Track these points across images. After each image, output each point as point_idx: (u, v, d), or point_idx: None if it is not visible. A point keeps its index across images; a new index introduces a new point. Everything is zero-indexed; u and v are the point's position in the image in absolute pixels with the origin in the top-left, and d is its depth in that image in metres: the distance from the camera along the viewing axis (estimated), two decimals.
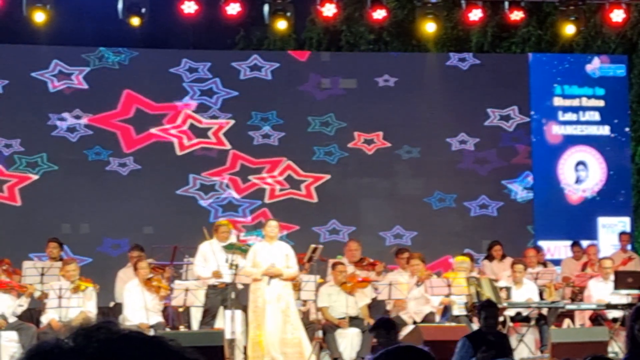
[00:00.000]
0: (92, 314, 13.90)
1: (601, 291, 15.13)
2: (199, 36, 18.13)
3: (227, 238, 14.33)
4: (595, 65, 19.10)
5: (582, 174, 18.97)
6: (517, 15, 17.23)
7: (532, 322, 14.69)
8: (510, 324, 14.45)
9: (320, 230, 18.16)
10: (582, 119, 19.03)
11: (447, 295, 14.24)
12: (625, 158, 19.19)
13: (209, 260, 14.14)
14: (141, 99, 17.89)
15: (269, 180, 18.17)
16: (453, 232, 18.23)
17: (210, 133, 18.10)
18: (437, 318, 14.51)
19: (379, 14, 16.97)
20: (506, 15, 17.30)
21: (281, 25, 16.63)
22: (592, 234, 18.62)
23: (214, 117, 18.13)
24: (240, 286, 14.10)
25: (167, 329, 13.87)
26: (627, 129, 19.25)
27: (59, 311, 13.61)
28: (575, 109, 19.02)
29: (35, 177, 17.52)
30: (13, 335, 13.54)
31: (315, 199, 18.23)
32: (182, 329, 14.18)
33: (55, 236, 15.80)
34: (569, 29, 17.24)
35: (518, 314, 14.73)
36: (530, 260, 16.06)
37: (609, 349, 13.72)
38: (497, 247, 16.93)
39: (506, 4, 17.23)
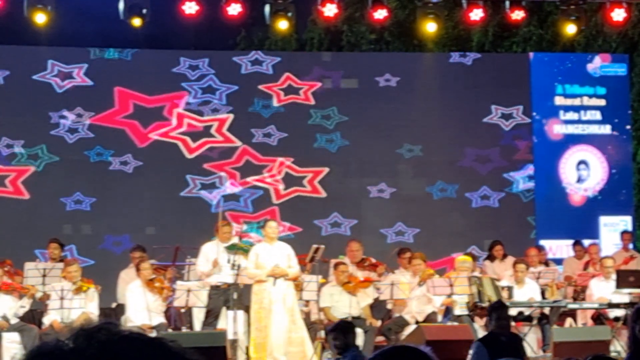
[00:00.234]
0: (94, 315, 13.91)
1: (603, 290, 15.14)
2: (200, 37, 18.13)
3: (229, 239, 14.34)
4: (596, 65, 19.09)
5: (583, 173, 18.97)
6: (518, 15, 17.22)
7: (534, 322, 14.70)
8: (513, 324, 14.44)
9: (322, 223, 18.18)
10: (584, 118, 19.03)
11: (449, 295, 14.24)
12: (627, 157, 19.20)
13: (211, 260, 14.18)
14: (136, 94, 17.89)
15: (269, 180, 18.17)
16: (455, 228, 18.21)
17: (213, 131, 18.11)
18: (439, 318, 14.51)
19: (380, 14, 16.97)
20: (507, 14, 17.30)
21: (282, 25, 16.63)
22: (594, 233, 18.62)
23: (215, 110, 18.13)
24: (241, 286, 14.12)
25: (170, 330, 13.87)
26: (628, 128, 19.25)
27: (61, 312, 13.62)
28: (576, 108, 19.02)
29: (37, 169, 17.52)
30: (15, 336, 13.54)
31: (323, 194, 18.24)
32: (184, 329, 14.19)
33: (56, 237, 15.83)
34: (570, 29, 17.23)
35: (520, 313, 14.73)
36: (532, 259, 16.06)
37: (611, 348, 13.72)
38: (498, 247, 16.92)
39: (507, 3, 17.22)
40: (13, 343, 13.45)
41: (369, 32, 19.87)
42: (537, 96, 18.90)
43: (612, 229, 18.70)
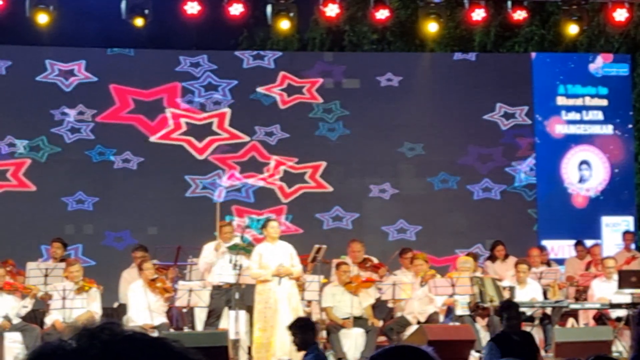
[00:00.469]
0: (97, 314, 13.91)
1: (604, 291, 15.13)
2: (202, 37, 18.14)
3: (231, 239, 14.35)
4: (598, 65, 19.09)
5: (585, 173, 18.96)
6: (520, 15, 17.21)
7: (536, 322, 14.69)
8: None
9: (324, 217, 18.19)
10: (586, 118, 19.03)
11: (451, 295, 14.23)
12: (629, 157, 19.19)
13: (213, 259, 14.22)
14: (133, 89, 17.89)
15: (270, 180, 18.19)
16: (457, 226, 18.20)
17: (216, 128, 18.11)
18: (441, 318, 14.50)
19: (382, 14, 16.96)
20: (509, 14, 17.29)
21: (284, 25, 16.63)
22: (595, 233, 18.60)
23: (217, 102, 18.15)
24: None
25: (171, 330, 13.87)
26: (630, 127, 19.24)
27: (63, 312, 13.62)
28: (578, 108, 19.01)
29: (39, 160, 17.53)
30: (17, 336, 13.54)
31: (329, 188, 18.25)
32: (186, 329, 14.20)
33: (59, 236, 15.86)
34: (572, 29, 17.22)
35: (522, 313, 14.70)
36: (534, 259, 16.05)
37: (613, 348, 13.71)
38: (499, 248, 16.91)
39: (509, 3, 17.21)
40: (15, 343, 13.45)
41: (370, 32, 19.87)
42: (539, 96, 18.89)
43: (614, 229, 18.69)
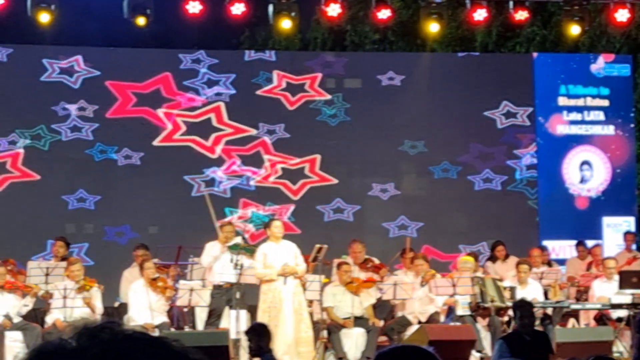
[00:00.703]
0: (99, 308, 13.95)
1: (605, 291, 15.13)
2: (204, 36, 18.14)
3: (231, 238, 14.35)
4: (600, 65, 19.08)
5: (586, 173, 18.96)
6: (521, 15, 17.21)
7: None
8: None
9: (324, 209, 18.19)
10: (587, 118, 19.02)
11: (452, 295, 14.23)
12: (630, 158, 19.18)
13: (215, 257, 14.23)
14: (129, 84, 17.88)
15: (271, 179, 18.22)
16: (459, 224, 18.21)
17: (216, 123, 18.13)
18: (442, 318, 14.50)
19: (384, 13, 16.96)
20: (511, 15, 17.28)
21: (286, 25, 16.63)
22: (597, 233, 18.60)
23: (218, 94, 18.15)
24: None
25: (172, 329, 13.87)
26: (631, 127, 19.24)
27: (64, 311, 13.62)
28: (580, 109, 19.01)
29: (42, 148, 17.56)
30: (18, 335, 13.54)
31: (335, 180, 18.25)
32: (187, 329, 14.19)
33: (62, 235, 15.87)
34: (573, 29, 17.22)
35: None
36: (534, 260, 16.05)
37: (614, 348, 13.71)
38: (499, 248, 16.91)
39: (511, 3, 17.21)
40: (16, 342, 13.44)
41: (372, 32, 19.88)
42: (541, 96, 18.89)
43: (615, 229, 18.69)
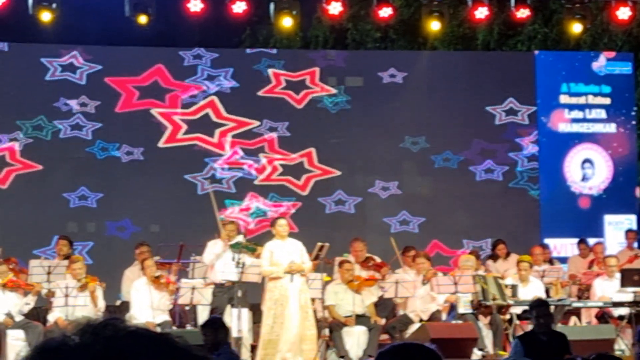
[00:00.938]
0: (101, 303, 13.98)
1: (607, 289, 15.13)
2: (205, 35, 18.14)
3: (234, 237, 14.35)
4: (601, 63, 19.07)
5: (588, 171, 18.95)
6: (523, 13, 17.20)
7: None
8: (517, 322, 14.45)
9: (326, 201, 18.19)
10: (589, 116, 19.02)
11: (454, 293, 14.23)
12: (632, 155, 19.17)
13: (217, 255, 14.24)
14: (127, 79, 17.88)
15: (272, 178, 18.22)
16: (461, 219, 18.21)
17: (215, 118, 18.13)
18: (444, 316, 14.50)
19: (385, 12, 16.95)
20: (512, 13, 17.28)
21: (287, 23, 16.63)
22: (598, 231, 18.60)
23: (220, 85, 18.14)
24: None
25: (174, 328, 13.88)
26: (633, 124, 19.23)
27: (66, 309, 13.62)
28: (581, 107, 19.00)
29: (45, 139, 17.56)
30: (20, 333, 13.55)
31: (338, 172, 18.25)
32: (188, 327, 14.19)
33: (66, 234, 15.88)
34: (575, 27, 17.22)
35: (524, 311, 14.71)
36: (536, 258, 16.05)
37: (615, 346, 13.72)
38: (500, 246, 16.91)
39: (512, 1, 17.20)
40: (18, 340, 13.46)
41: (374, 30, 19.86)
42: (542, 94, 18.88)
43: (616, 227, 18.69)
